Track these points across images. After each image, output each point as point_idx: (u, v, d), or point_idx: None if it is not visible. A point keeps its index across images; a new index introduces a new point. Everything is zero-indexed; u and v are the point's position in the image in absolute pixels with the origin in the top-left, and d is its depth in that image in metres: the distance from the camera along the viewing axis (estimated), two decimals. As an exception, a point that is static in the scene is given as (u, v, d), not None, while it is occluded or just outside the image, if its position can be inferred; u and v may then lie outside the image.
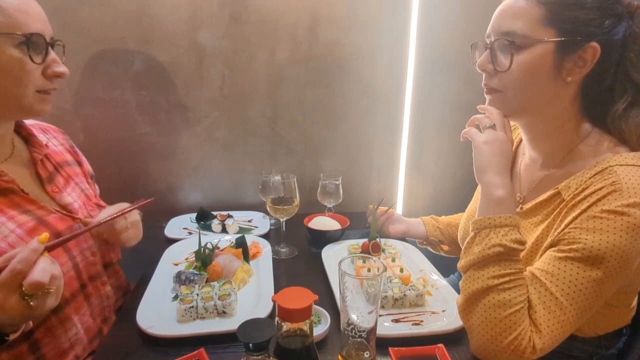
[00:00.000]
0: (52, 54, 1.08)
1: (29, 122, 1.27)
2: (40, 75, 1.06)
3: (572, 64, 0.96)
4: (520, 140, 1.27)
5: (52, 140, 1.33)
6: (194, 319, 1.15)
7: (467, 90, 2.02)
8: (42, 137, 1.27)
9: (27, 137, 1.23)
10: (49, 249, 0.87)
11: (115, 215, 1.12)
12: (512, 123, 1.29)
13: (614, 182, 0.91)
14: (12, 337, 0.88)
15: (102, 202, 1.37)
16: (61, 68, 1.09)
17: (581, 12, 0.94)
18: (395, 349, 1.03)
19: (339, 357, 0.96)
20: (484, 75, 1.08)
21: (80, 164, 1.39)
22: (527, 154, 1.21)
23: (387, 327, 1.14)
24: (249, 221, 1.90)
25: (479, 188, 1.07)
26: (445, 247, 1.65)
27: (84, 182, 1.35)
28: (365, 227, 1.78)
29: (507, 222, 0.97)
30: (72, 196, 1.24)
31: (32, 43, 1.02)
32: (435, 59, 2.01)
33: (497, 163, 1.02)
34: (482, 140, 1.05)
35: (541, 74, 0.98)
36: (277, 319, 0.79)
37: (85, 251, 1.21)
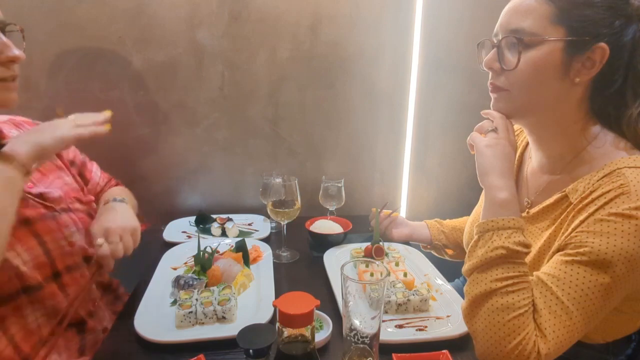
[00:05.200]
0: (2, 39, 1.03)
1: (1, 118, 1.24)
2: None
3: (581, 65, 0.95)
4: (527, 145, 1.25)
5: None
6: (193, 325, 1.15)
7: (473, 91, 2.00)
8: (13, 132, 1.24)
9: None
10: None
11: None
12: (517, 127, 1.28)
13: (622, 184, 0.90)
14: None
15: (83, 197, 1.35)
16: (14, 52, 1.04)
17: (591, 10, 0.92)
18: (399, 355, 1.02)
19: (342, 364, 0.94)
20: (490, 74, 1.06)
21: (59, 155, 1.37)
22: (533, 158, 1.19)
23: (390, 333, 1.13)
24: (249, 224, 1.89)
25: (484, 192, 1.05)
26: (449, 251, 1.64)
27: (65, 176, 1.33)
28: (368, 230, 1.76)
29: (511, 225, 0.96)
30: (50, 187, 1.23)
31: None
32: (439, 59, 1.99)
33: (499, 166, 1.02)
34: (485, 144, 1.04)
35: (548, 73, 0.97)
36: (278, 324, 0.77)
37: (61, 240, 1.18)
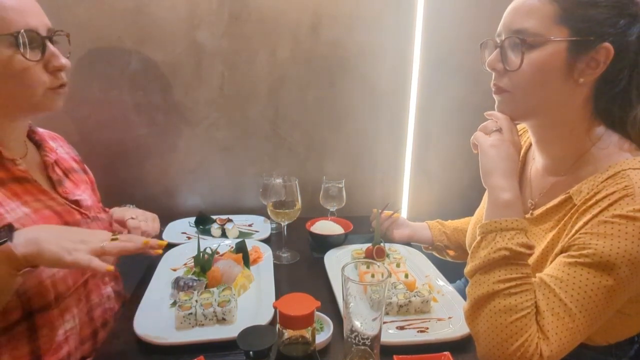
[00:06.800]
0: (51, 48, 1.06)
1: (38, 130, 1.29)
2: (43, 71, 1.05)
3: (585, 65, 0.94)
4: (530, 145, 1.24)
5: (60, 149, 1.35)
6: (192, 326, 1.14)
7: (475, 91, 2.00)
8: (52, 144, 1.29)
9: (39, 143, 1.25)
10: None
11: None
12: (520, 127, 1.27)
13: (626, 186, 0.89)
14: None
15: (106, 208, 1.41)
16: (61, 60, 1.07)
17: (595, 10, 0.92)
18: (400, 356, 1.02)
19: (343, 365, 0.94)
20: (493, 75, 1.06)
21: (85, 172, 1.42)
22: (537, 159, 1.18)
23: (391, 335, 1.13)
24: (250, 225, 1.88)
25: (487, 193, 1.04)
26: (451, 252, 1.63)
27: (89, 190, 1.36)
28: (369, 231, 1.75)
29: (514, 226, 0.95)
30: (82, 196, 1.27)
31: (25, 41, 1.00)
32: (441, 59, 1.99)
33: (503, 166, 1.01)
34: (489, 144, 1.03)
35: (552, 74, 0.96)
36: (278, 326, 0.77)
37: None
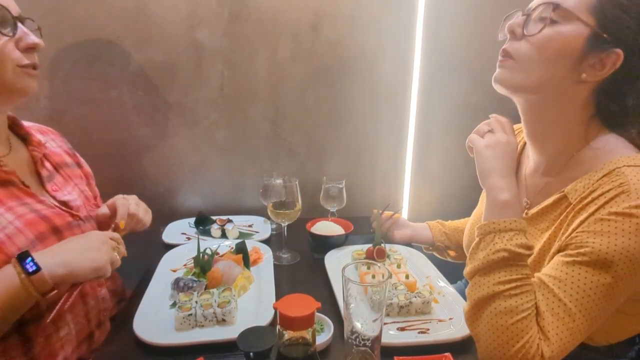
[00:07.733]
0: (22, 28, 1.06)
1: (26, 124, 1.25)
2: (14, 48, 1.04)
3: (593, 62, 0.94)
4: (524, 145, 1.24)
5: (51, 142, 1.32)
6: (192, 327, 1.14)
7: (475, 91, 2.00)
8: (41, 138, 1.26)
9: (24, 137, 1.21)
10: None
11: None
12: (516, 126, 1.27)
13: (622, 183, 0.89)
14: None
15: (100, 204, 1.38)
16: (34, 39, 1.07)
17: (624, 15, 0.92)
18: (401, 358, 1.02)
19: (343, 367, 0.94)
20: (506, 40, 1.05)
21: (79, 165, 1.39)
22: (531, 159, 1.18)
23: (392, 336, 1.13)
24: (250, 226, 1.88)
25: (483, 193, 1.04)
26: (451, 253, 1.63)
27: (83, 184, 1.35)
28: (369, 232, 1.75)
29: (513, 227, 0.95)
30: (72, 195, 1.24)
31: None
32: (441, 59, 1.99)
33: (500, 166, 1.01)
34: (484, 145, 1.04)
35: (563, 55, 0.95)
36: (278, 327, 0.76)
37: None
